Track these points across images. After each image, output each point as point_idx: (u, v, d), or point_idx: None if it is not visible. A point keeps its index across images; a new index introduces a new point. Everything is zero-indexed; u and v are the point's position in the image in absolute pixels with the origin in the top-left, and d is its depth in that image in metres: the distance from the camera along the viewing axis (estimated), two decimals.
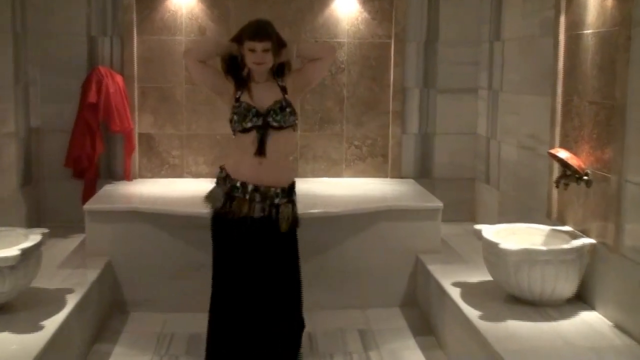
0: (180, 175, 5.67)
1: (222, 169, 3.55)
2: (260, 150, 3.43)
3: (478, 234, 3.97)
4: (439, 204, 4.86)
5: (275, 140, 3.44)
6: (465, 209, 5.78)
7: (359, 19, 5.63)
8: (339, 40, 5.62)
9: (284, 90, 3.51)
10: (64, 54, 5.41)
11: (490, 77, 5.51)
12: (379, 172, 5.77)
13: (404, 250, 4.80)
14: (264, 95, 3.48)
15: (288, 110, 3.46)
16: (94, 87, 5.17)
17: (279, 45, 3.50)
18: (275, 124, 3.42)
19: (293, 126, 3.51)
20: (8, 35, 4.95)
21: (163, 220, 4.64)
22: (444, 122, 5.76)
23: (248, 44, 3.43)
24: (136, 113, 5.52)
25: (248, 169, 3.44)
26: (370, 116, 5.72)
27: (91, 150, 5.23)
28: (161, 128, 5.61)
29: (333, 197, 5.06)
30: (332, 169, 5.76)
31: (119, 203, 4.83)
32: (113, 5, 5.44)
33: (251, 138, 3.43)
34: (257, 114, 3.42)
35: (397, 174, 5.74)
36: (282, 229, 3.48)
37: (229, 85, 3.52)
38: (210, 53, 3.55)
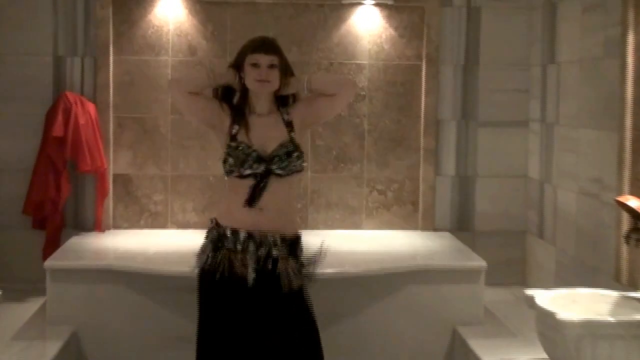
0: (163, 225, 5.67)
1: (212, 220, 3.55)
2: (251, 200, 3.41)
3: (530, 301, 3.92)
4: (481, 263, 4.83)
5: (275, 189, 3.43)
6: (513, 269, 5.75)
7: (383, 36, 5.67)
8: (359, 62, 5.66)
9: (289, 126, 3.52)
10: (25, 78, 5.47)
11: (543, 107, 5.52)
12: (407, 223, 5.77)
13: (439, 321, 4.76)
14: (266, 133, 3.47)
15: (295, 155, 3.46)
16: (60, 118, 5.21)
17: (287, 69, 3.52)
18: (279, 171, 3.43)
19: (300, 171, 3.52)
20: None
21: (142, 281, 4.62)
22: (487, 161, 5.77)
23: (251, 58, 3.43)
24: (111, 149, 5.55)
25: (241, 213, 3.43)
26: (397, 154, 5.73)
27: (56, 194, 5.25)
28: (141, 168, 5.64)
29: (351, 254, 5.03)
30: (350, 219, 5.76)
31: (88, 259, 4.83)
32: (85, 18, 5.51)
33: (248, 184, 3.43)
34: (259, 159, 3.42)
35: (430, 225, 5.73)
36: (285, 289, 3.45)
37: (223, 117, 3.52)
38: (203, 84, 3.55)
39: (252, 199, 3.40)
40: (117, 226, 5.63)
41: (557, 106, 5.29)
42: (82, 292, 4.64)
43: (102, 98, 5.51)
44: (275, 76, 3.45)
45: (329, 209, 5.73)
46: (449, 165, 5.77)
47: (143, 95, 5.59)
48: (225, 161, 3.46)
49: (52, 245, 5.24)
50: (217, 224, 3.49)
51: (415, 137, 5.73)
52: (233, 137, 3.47)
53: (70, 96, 5.32)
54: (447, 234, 5.64)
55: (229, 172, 3.46)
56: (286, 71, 3.52)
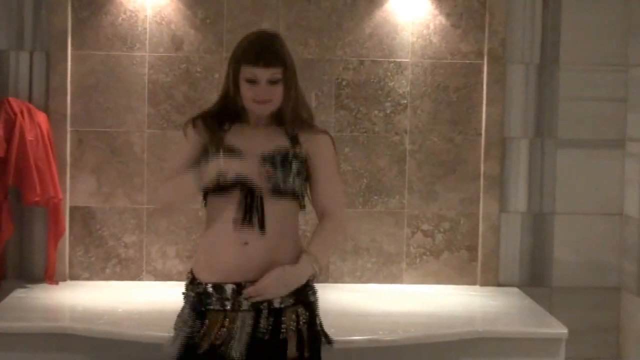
0: (137, 276, 5.71)
1: (189, 274, 3.61)
2: (245, 218, 3.44)
3: None
4: (561, 330, 4.83)
5: (270, 209, 3.47)
6: (604, 338, 5.75)
7: (431, 26, 5.73)
8: (398, 60, 5.71)
9: (294, 141, 3.57)
10: None
11: None
12: (462, 275, 5.79)
13: None
14: (260, 142, 3.53)
15: (295, 166, 3.49)
16: (0, 132, 5.27)
17: (295, 79, 3.59)
18: (269, 183, 3.46)
19: (298, 198, 3.55)
20: None
21: (109, 348, 4.65)
22: (569, 194, 5.79)
23: (246, 71, 3.49)
24: (67, 174, 5.62)
25: (226, 257, 3.46)
26: (449, 183, 5.77)
27: None
28: (107, 199, 5.70)
29: (386, 317, 5.05)
30: (386, 270, 5.78)
31: (36, 320, 4.85)
32: (34, 2, 5.59)
33: (231, 201, 3.45)
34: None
35: (493, 279, 5.75)
36: (290, 354, 3.46)
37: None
38: (193, 191, 3.58)
39: (246, 216, 3.43)
40: (74, 276, 5.68)
41: None
42: None
43: (56, 106, 5.59)
44: (277, 93, 3.51)
45: (358, 255, 5.75)
46: (519, 198, 5.80)
47: (111, 102, 5.66)
48: (201, 172, 3.47)
49: None
50: (193, 280, 3.52)
51: (474, 161, 5.77)
52: (216, 147, 3.51)
53: (15, 103, 5.38)
54: (515, 291, 5.65)
55: (204, 186, 3.49)
56: (293, 83, 3.58)
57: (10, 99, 5.41)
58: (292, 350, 3.45)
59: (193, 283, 3.51)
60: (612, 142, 5.78)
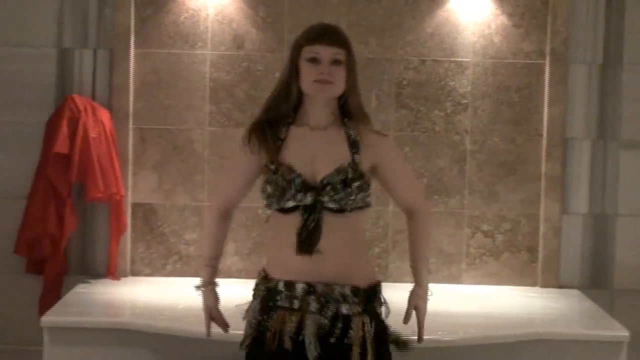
0: (197, 273, 5.71)
1: (261, 272, 3.61)
2: (305, 245, 3.42)
3: None
4: (623, 333, 4.79)
5: (332, 227, 3.44)
6: None
7: (493, 26, 5.71)
8: (459, 59, 5.70)
9: (354, 146, 3.52)
10: (19, 76, 5.62)
11: None
12: (522, 276, 5.77)
13: None
14: (320, 150, 3.49)
15: (356, 185, 3.44)
16: (65, 129, 5.33)
17: (355, 68, 3.54)
18: (332, 205, 3.42)
19: (363, 208, 3.51)
20: None
21: (169, 344, 4.69)
22: (632, 195, 5.76)
23: (307, 51, 3.46)
24: (130, 171, 5.68)
25: (295, 260, 3.45)
26: (510, 184, 5.75)
27: (57, 230, 5.36)
28: (169, 196, 5.75)
29: (446, 317, 5.03)
30: (445, 270, 5.78)
31: (97, 315, 4.91)
32: (98, 1, 5.64)
33: (293, 220, 3.43)
34: (305, 187, 3.42)
35: (554, 280, 5.73)
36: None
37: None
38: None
39: (303, 244, 3.41)
40: (136, 272, 5.74)
41: None
42: (89, 357, 4.72)
43: (119, 104, 5.65)
44: (340, 76, 3.44)
45: None
46: (580, 199, 5.77)
47: (173, 100, 5.71)
48: (263, 190, 3.48)
49: (51, 295, 5.35)
50: (266, 276, 3.53)
51: (535, 162, 5.75)
52: (273, 154, 3.48)
53: (79, 101, 5.44)
54: (576, 293, 5.62)
55: (268, 204, 3.48)
56: (355, 72, 3.53)
57: (75, 96, 5.47)
58: (356, 357, 3.43)
59: (265, 279, 3.52)
60: None
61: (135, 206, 5.73)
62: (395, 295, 5.42)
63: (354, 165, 3.46)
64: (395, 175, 3.61)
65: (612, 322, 4.98)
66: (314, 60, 3.43)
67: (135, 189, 5.71)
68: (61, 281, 5.48)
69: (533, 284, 5.76)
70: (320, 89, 3.44)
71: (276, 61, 5.59)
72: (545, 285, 5.72)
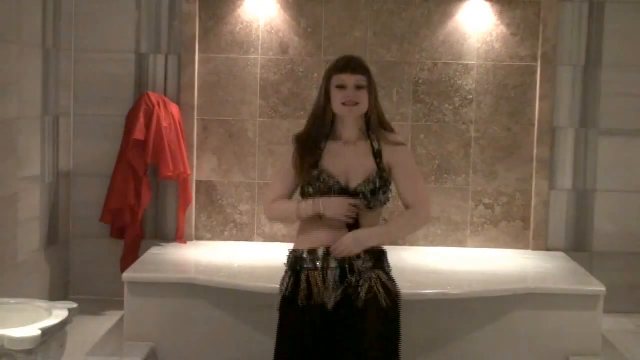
0: (249, 238, 5.78)
1: (290, 253, 3.64)
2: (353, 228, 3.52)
3: None
4: (599, 288, 4.78)
5: (362, 218, 3.54)
6: (636, 295, 5.67)
7: (494, 34, 5.67)
8: (466, 62, 5.67)
9: (379, 156, 3.57)
10: (105, 77, 5.65)
11: None
12: (517, 241, 5.75)
13: (550, 351, 4.73)
14: (352, 162, 3.54)
15: (381, 192, 3.53)
16: (141, 120, 5.35)
17: (375, 89, 3.59)
18: (363, 205, 3.52)
19: (384, 204, 3.60)
20: (36, 52, 5.21)
21: (226, 296, 4.72)
22: (609, 174, 5.71)
23: (336, 80, 3.52)
24: (194, 154, 5.70)
25: (319, 232, 3.52)
26: (507, 165, 5.72)
27: (135, 202, 5.39)
28: (226, 174, 5.76)
29: (453, 274, 5.04)
30: (453, 236, 5.77)
31: (168, 272, 4.95)
32: (170, 13, 5.66)
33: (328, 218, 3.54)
34: (342, 193, 3.50)
35: (543, 244, 5.70)
36: (383, 304, 3.47)
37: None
38: (291, 219, 3.71)
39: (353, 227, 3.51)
40: (199, 237, 5.76)
41: None
42: (161, 307, 4.76)
43: (186, 99, 5.66)
44: (364, 98, 3.50)
45: (431, 223, 5.72)
46: (566, 178, 5.73)
47: (230, 96, 5.72)
48: (303, 192, 3.57)
49: (130, 256, 5.38)
50: (295, 251, 3.58)
51: (528, 147, 5.71)
52: (314, 164, 3.54)
53: (153, 97, 5.46)
54: (561, 255, 5.59)
55: (307, 197, 3.57)
56: (375, 93, 3.57)
57: (150, 93, 5.49)
58: (381, 299, 3.46)
59: (294, 252, 3.57)
60: None
61: (199, 183, 5.74)
62: (411, 256, 5.46)
63: (379, 173, 3.53)
64: (402, 178, 3.62)
65: (591, 279, 4.96)
66: (341, 87, 3.50)
67: (199, 169, 5.73)
68: (138, 244, 5.51)
69: (526, 247, 5.73)
70: (347, 110, 3.51)
71: (315, 64, 5.60)
72: (535, 248, 5.70)
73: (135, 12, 5.64)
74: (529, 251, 5.69)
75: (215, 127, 5.73)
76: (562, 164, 5.71)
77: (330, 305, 3.45)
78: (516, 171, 5.72)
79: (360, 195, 3.49)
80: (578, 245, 5.73)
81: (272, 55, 5.70)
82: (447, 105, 5.69)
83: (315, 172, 3.52)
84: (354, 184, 3.51)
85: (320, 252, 3.48)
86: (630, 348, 4.89)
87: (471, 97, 5.69)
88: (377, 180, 3.51)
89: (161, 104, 5.46)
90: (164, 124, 5.40)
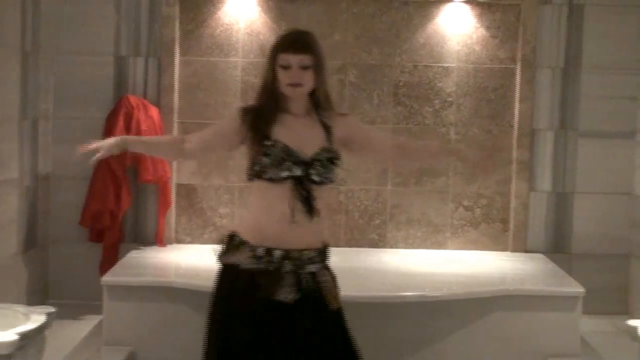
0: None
1: (233, 235, 3.52)
2: (310, 209, 3.40)
3: (632, 332, 3.90)
4: (578, 289, 4.81)
5: (317, 197, 3.43)
6: (614, 297, 5.70)
7: (474, 37, 5.69)
8: (446, 64, 5.69)
9: (329, 131, 3.51)
10: (84, 80, 5.63)
11: None
12: (496, 243, 5.77)
13: (529, 353, 4.75)
14: (304, 133, 3.46)
15: (336, 162, 3.46)
16: (121, 123, 5.35)
17: (323, 67, 3.50)
18: (317, 178, 3.40)
19: (333, 182, 3.51)
20: (14, 55, 5.18)
21: (206, 300, 4.63)
22: (588, 176, 5.73)
23: (280, 58, 3.42)
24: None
25: (275, 230, 3.41)
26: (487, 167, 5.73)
27: (115, 205, 5.38)
28: (206, 178, 5.76)
29: (433, 276, 5.05)
30: (433, 238, 5.78)
31: (148, 275, 4.94)
32: (149, 16, 5.66)
33: (282, 191, 3.39)
34: (298, 161, 3.39)
35: (522, 246, 5.72)
36: (332, 305, 3.44)
37: (247, 126, 3.50)
38: (217, 146, 3.69)
39: (310, 208, 3.39)
40: (179, 240, 5.76)
41: None
42: (141, 311, 4.75)
43: (166, 102, 5.65)
44: (308, 78, 3.42)
45: (410, 226, 5.75)
46: (545, 180, 5.75)
47: (210, 99, 5.72)
48: (254, 162, 3.41)
49: (109, 259, 5.37)
50: (243, 241, 3.45)
51: (508, 149, 5.73)
52: (266, 136, 3.42)
53: (132, 99, 5.46)
54: (540, 256, 5.62)
55: (259, 173, 3.39)
56: (322, 70, 3.48)
57: (129, 96, 5.49)
58: (330, 301, 3.44)
59: (244, 245, 3.44)
60: (624, 134, 5.71)
61: (179, 186, 5.74)
62: (391, 258, 5.47)
63: (333, 148, 3.48)
64: (366, 136, 3.62)
65: (570, 281, 4.99)
66: (286, 67, 3.41)
67: (179, 172, 5.73)
68: (118, 248, 5.50)
69: (505, 249, 5.75)
70: (292, 91, 3.43)
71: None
72: (515, 250, 5.72)
73: (114, 14, 5.62)
74: (508, 253, 5.72)
75: (195, 130, 5.66)
76: (542, 166, 5.74)
77: (287, 299, 3.41)
78: (496, 173, 5.74)
79: (317, 164, 3.40)
80: (557, 247, 5.75)
81: (253, 57, 5.70)
82: (427, 108, 5.70)
83: (269, 143, 3.40)
84: (309, 152, 3.42)
85: (277, 255, 3.38)
86: (609, 349, 4.90)
87: (451, 99, 5.71)
88: (332, 151, 3.46)
89: (141, 107, 5.45)
90: (144, 127, 5.39)
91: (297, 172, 3.37)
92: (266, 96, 3.51)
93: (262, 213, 3.45)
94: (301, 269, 3.42)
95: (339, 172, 3.51)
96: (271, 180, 3.38)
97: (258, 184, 3.43)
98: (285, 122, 3.47)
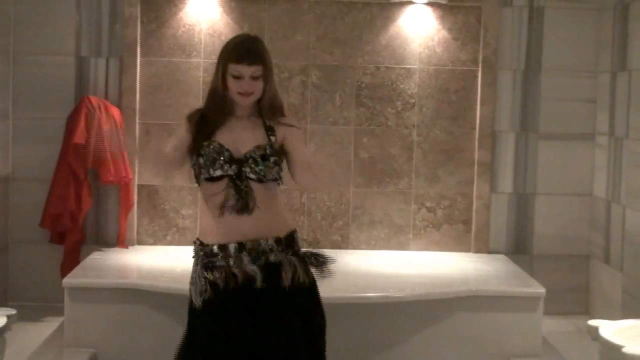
0: (192, 242, 5.70)
1: (196, 241, 3.58)
2: (242, 207, 3.40)
3: (593, 332, 3.93)
4: (539, 289, 4.84)
5: (256, 192, 3.44)
6: (575, 297, 5.75)
7: (436, 39, 5.71)
8: (408, 66, 5.70)
9: (271, 131, 3.54)
10: (44, 79, 5.59)
11: (612, 118, 5.52)
12: (458, 244, 5.79)
13: (492, 353, 4.78)
14: (243, 134, 3.51)
15: (272, 159, 3.47)
16: (82, 124, 5.31)
17: (271, 74, 3.54)
18: (252, 175, 3.43)
19: (277, 180, 3.52)
20: None
21: (168, 301, 4.68)
22: (548, 178, 5.78)
23: (232, 69, 3.47)
24: (136, 158, 5.65)
25: (224, 225, 3.44)
26: (448, 168, 5.77)
27: (76, 207, 5.33)
28: (168, 179, 5.72)
29: (395, 277, 5.06)
30: (395, 239, 5.79)
31: (109, 277, 4.91)
32: (110, 16, 5.62)
33: (220, 188, 3.43)
34: (231, 160, 3.43)
35: (484, 247, 5.75)
36: (285, 283, 3.42)
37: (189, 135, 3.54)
38: (180, 159, 3.59)
39: (243, 205, 3.39)
40: (141, 242, 5.72)
41: (628, 118, 5.28)
42: (102, 313, 4.72)
43: (127, 102, 5.62)
44: (258, 87, 3.47)
45: (373, 227, 5.76)
46: (506, 181, 5.78)
47: (172, 99, 5.69)
48: (194, 164, 3.47)
49: (71, 261, 5.33)
50: (202, 243, 3.50)
51: (469, 150, 5.76)
52: (208, 138, 3.47)
53: (93, 100, 5.42)
54: (502, 257, 5.65)
55: (198, 175, 3.47)
56: (270, 77, 3.53)
57: (90, 96, 5.45)
58: (292, 277, 3.44)
59: (202, 245, 3.50)
60: (584, 136, 5.76)
61: (141, 187, 5.70)
62: (353, 260, 5.47)
63: (270, 144, 3.49)
64: (296, 152, 3.55)
65: (532, 281, 5.03)
66: (237, 77, 3.45)
67: (141, 173, 5.68)
68: (79, 249, 5.47)
69: (467, 250, 5.78)
70: (242, 99, 3.48)
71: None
72: (477, 251, 5.75)
73: (75, 14, 5.58)
74: (471, 254, 5.74)
75: (158, 131, 5.69)
76: (503, 167, 5.77)
77: (258, 281, 3.40)
78: (458, 174, 5.77)
79: (250, 161, 3.43)
80: (518, 248, 5.79)
81: (215, 58, 5.61)
82: (389, 109, 5.71)
83: (205, 143, 3.45)
84: (243, 150, 3.45)
85: (232, 248, 3.42)
86: (570, 348, 4.94)
87: (413, 101, 5.73)
88: (268, 148, 3.47)
89: (102, 108, 5.42)
90: (105, 127, 5.36)
91: (231, 170, 3.42)
92: (214, 101, 3.56)
93: (208, 212, 3.51)
94: (260, 258, 3.43)
95: (280, 171, 3.51)
96: (209, 180, 3.44)
97: (202, 186, 3.50)
98: (228, 125, 3.52)
